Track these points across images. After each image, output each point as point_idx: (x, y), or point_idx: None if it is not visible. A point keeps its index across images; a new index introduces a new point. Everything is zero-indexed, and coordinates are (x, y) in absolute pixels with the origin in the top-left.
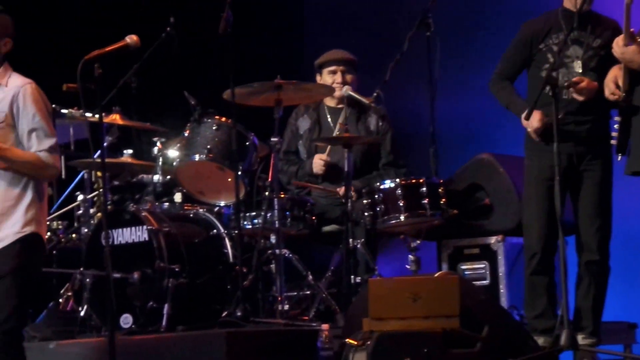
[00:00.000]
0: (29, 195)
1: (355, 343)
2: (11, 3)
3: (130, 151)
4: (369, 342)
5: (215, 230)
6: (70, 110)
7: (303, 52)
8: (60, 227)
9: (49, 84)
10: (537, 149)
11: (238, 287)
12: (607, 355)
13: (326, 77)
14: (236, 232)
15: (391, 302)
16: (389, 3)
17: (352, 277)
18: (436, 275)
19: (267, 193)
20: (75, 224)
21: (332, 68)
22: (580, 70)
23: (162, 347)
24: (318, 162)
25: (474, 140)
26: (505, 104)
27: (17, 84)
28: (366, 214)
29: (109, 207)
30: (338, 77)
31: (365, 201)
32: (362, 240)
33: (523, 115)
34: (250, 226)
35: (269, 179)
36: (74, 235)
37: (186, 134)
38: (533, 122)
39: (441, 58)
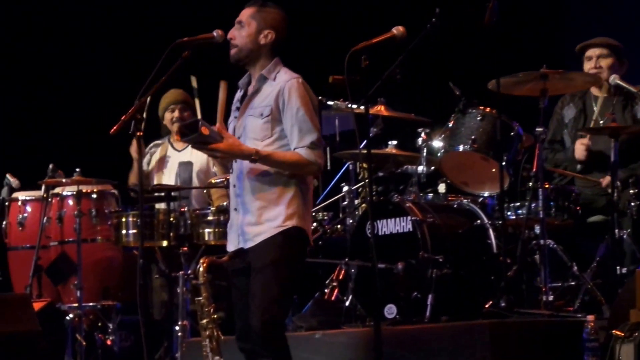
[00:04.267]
0: (291, 190)
1: (622, 335)
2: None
3: (394, 142)
4: (636, 334)
5: (479, 221)
6: (336, 101)
7: (565, 40)
8: (325, 218)
9: (316, 76)
10: None
11: (502, 277)
12: None
13: (585, 64)
14: (500, 222)
15: None
16: None
17: (618, 267)
18: None
19: (531, 183)
20: (340, 215)
21: (589, 53)
22: None
23: (426, 337)
24: (580, 147)
25: None
26: None
27: (284, 78)
28: (633, 204)
29: (374, 198)
30: (593, 63)
31: (631, 191)
32: (629, 230)
33: None
34: (514, 217)
35: (534, 169)
36: (339, 226)
37: (450, 125)
38: None
39: None
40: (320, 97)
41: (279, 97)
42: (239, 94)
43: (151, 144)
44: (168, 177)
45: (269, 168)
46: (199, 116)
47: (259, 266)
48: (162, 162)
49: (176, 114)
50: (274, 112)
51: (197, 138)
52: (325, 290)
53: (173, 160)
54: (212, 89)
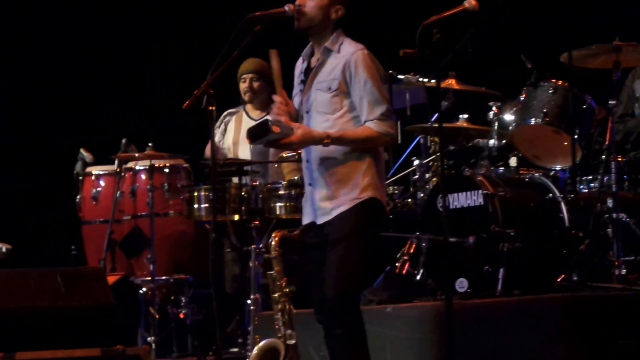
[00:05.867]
0: (365, 162)
1: None
2: None
3: (465, 116)
4: None
5: (550, 195)
6: (406, 75)
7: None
8: (396, 192)
9: (386, 49)
10: None
11: (574, 251)
12: None
13: None
14: (572, 196)
15: None
16: None
17: None
18: None
19: (603, 156)
20: (411, 189)
21: None
22: None
23: (497, 311)
24: None
25: None
26: None
27: (349, 50)
28: None
29: (445, 171)
30: None
31: None
32: None
33: None
34: (586, 190)
35: (606, 142)
36: (409, 200)
37: (522, 98)
38: None
39: None
40: (390, 71)
41: (345, 69)
42: (302, 66)
43: (225, 113)
44: (243, 148)
45: None
46: (278, 85)
47: (335, 239)
48: (238, 132)
49: (246, 84)
50: (341, 85)
51: (269, 138)
52: (396, 264)
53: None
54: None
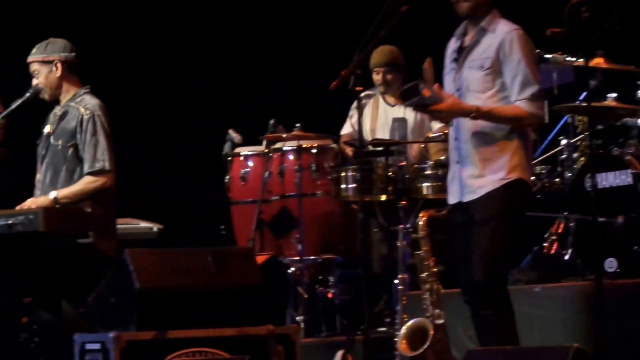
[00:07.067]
0: (513, 142)
1: None
2: None
3: (614, 95)
4: None
5: None
6: (554, 54)
7: None
8: (543, 171)
9: (533, 28)
10: None
11: None
12: None
13: None
14: None
15: None
16: None
17: None
18: None
19: None
20: (558, 169)
21: None
22: None
23: None
24: None
25: None
26: None
27: (504, 30)
28: None
29: (593, 151)
30: None
31: None
32: None
33: None
34: None
35: None
36: (557, 180)
37: None
38: None
39: None
40: (538, 50)
41: (499, 49)
42: (454, 45)
43: (362, 95)
44: (382, 132)
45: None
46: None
47: (482, 219)
48: (375, 115)
49: (380, 77)
50: (494, 64)
51: (418, 101)
52: (544, 244)
53: (387, 115)
54: None
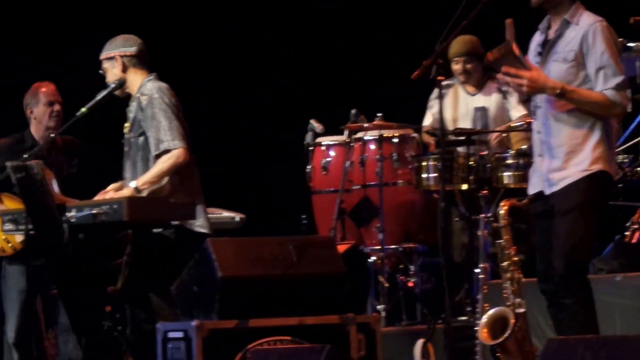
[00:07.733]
0: (596, 134)
1: None
2: None
3: None
4: None
5: None
6: (637, 43)
7: None
8: (625, 160)
9: (617, 17)
10: None
11: None
12: None
13: None
14: None
15: None
16: None
17: None
18: None
19: None
20: None
21: None
22: None
23: None
24: None
25: None
26: None
27: (588, 22)
28: None
29: None
30: None
31: None
32: None
33: None
34: None
35: None
36: (639, 168)
37: None
38: None
39: None
40: (621, 39)
41: (583, 41)
42: (539, 38)
43: (443, 83)
44: (463, 122)
45: (574, 113)
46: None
47: (564, 209)
48: (455, 105)
49: (459, 66)
50: (578, 56)
51: (508, 56)
52: (626, 233)
53: (467, 105)
54: None
